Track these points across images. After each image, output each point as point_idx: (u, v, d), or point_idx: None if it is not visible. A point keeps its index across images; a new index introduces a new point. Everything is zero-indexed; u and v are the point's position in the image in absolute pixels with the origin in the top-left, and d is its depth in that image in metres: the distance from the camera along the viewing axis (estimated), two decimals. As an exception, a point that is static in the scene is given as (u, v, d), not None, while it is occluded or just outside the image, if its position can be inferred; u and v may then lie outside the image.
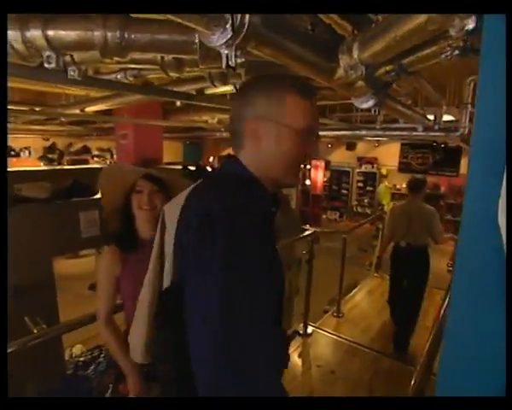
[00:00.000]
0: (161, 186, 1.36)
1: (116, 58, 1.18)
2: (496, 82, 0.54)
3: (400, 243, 3.47)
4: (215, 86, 1.87)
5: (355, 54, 1.32)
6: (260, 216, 0.71)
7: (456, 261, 0.59)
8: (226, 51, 1.04)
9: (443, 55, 1.16)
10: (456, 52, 1.11)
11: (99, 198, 2.11)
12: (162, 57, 1.46)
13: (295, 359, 3.10)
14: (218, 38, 1.00)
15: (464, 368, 0.58)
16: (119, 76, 1.88)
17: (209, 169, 2.98)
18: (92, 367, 2.14)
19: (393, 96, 2.57)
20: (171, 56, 1.44)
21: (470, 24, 0.81)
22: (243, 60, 1.05)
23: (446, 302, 1.86)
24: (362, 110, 5.21)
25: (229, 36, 0.98)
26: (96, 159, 8.03)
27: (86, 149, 8.80)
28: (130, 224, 1.36)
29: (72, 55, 1.38)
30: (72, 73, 1.43)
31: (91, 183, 2.20)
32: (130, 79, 1.87)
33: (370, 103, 2.02)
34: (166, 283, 0.86)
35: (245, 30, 0.99)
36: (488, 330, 0.56)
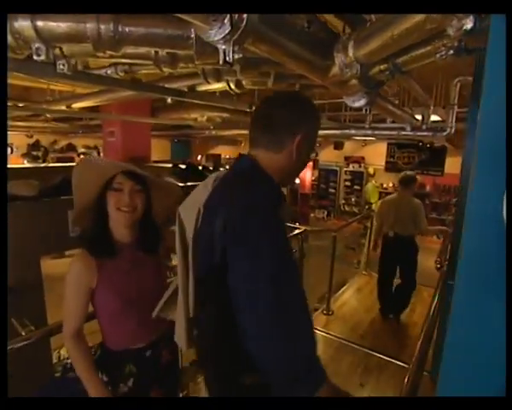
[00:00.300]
0: (143, 185, 1.19)
1: (109, 52, 1.15)
2: (502, 80, 0.55)
3: (389, 233, 3.73)
4: (208, 83, 1.84)
5: (350, 52, 1.32)
6: (280, 209, 0.87)
7: (460, 260, 0.59)
8: (224, 47, 1.03)
9: (438, 55, 1.18)
10: (451, 52, 1.12)
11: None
12: (156, 52, 1.43)
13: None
14: (216, 33, 0.98)
15: (467, 367, 0.58)
16: (109, 71, 1.84)
17: (200, 168, 2.95)
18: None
19: (384, 96, 2.60)
20: (165, 51, 1.42)
21: (468, 23, 0.82)
22: (241, 55, 1.04)
23: (436, 300, 1.89)
24: (351, 109, 5.26)
25: (227, 31, 0.96)
26: (82, 156, 7.86)
27: (71, 147, 8.60)
28: (104, 226, 1.18)
29: (61, 48, 1.34)
30: (61, 67, 1.39)
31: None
32: (121, 74, 1.82)
33: (362, 102, 2.03)
34: (194, 274, 0.99)
35: (243, 25, 0.98)
36: (494, 329, 0.56)
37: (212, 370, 0.97)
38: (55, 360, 2.17)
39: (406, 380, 1.22)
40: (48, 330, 1.67)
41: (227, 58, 1.03)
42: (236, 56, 1.03)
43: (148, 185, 1.22)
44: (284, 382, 0.78)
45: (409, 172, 3.78)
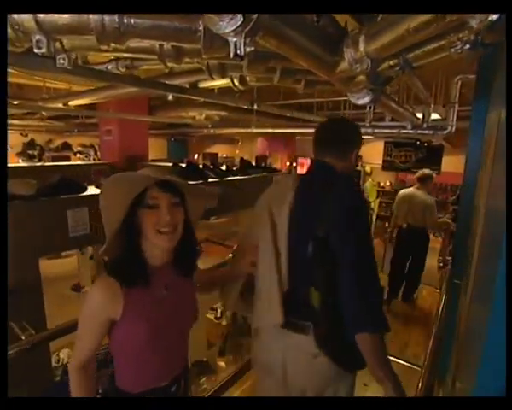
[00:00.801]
0: (181, 196, 1.00)
1: (113, 45, 1.10)
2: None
3: (402, 225, 4.06)
4: (213, 79, 1.80)
5: (361, 47, 1.29)
6: None
7: (499, 267, 0.56)
8: (235, 39, 0.98)
9: (452, 49, 1.14)
10: (467, 46, 1.09)
11: (88, 195, 2.02)
12: (161, 45, 1.38)
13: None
14: (227, 25, 0.93)
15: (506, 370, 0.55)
16: (109, 66, 1.78)
17: (200, 166, 2.91)
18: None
19: (388, 94, 2.57)
20: (170, 45, 1.37)
21: (494, 14, 0.78)
22: (252, 48, 1.00)
23: (443, 300, 1.87)
24: (350, 108, 5.25)
25: (239, 23, 0.92)
26: (78, 155, 7.74)
27: (67, 146, 8.48)
28: (136, 250, 0.98)
29: (61, 42, 1.29)
30: (61, 61, 1.34)
31: (79, 179, 2.10)
32: (122, 69, 1.77)
33: (367, 100, 2.00)
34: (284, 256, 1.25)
35: (255, 17, 0.94)
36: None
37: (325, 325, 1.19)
38: (54, 364, 2.12)
39: (420, 384, 1.19)
40: (47, 334, 1.62)
41: (238, 51, 0.99)
42: (248, 49, 0.99)
43: (183, 195, 1.02)
44: (363, 322, 1.06)
45: (426, 171, 4.16)
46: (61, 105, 3.58)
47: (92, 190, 2.12)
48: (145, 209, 0.94)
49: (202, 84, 2.28)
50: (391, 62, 1.41)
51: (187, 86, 2.25)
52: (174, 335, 1.06)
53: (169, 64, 1.46)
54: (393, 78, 1.64)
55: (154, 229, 0.94)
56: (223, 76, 1.75)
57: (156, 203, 0.94)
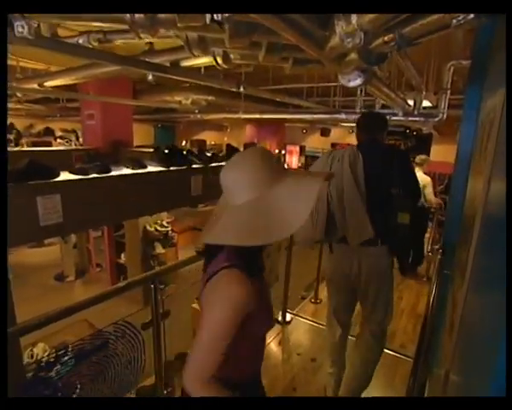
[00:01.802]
0: None
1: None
2: None
3: None
4: (194, 55, 1.66)
5: (354, 19, 1.18)
6: None
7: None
8: (211, 2, 0.87)
9: (454, 21, 1.04)
10: (471, 16, 0.99)
11: (61, 181, 1.89)
12: (132, 14, 1.24)
13: (275, 347, 3.03)
14: (202, -17, 0.82)
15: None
16: (80, 40, 1.62)
17: (184, 152, 2.79)
18: (57, 367, 1.94)
19: (380, 77, 2.47)
20: (142, 14, 1.23)
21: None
22: (231, 13, 0.88)
23: (434, 290, 1.81)
24: (340, 95, 5.15)
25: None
26: (59, 140, 7.45)
27: (49, 131, 8.17)
28: None
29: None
30: (19, 30, 1.19)
31: (53, 164, 1.95)
32: (95, 43, 1.61)
33: (358, 81, 1.90)
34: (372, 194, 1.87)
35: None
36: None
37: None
38: (27, 359, 2.01)
39: (412, 379, 1.13)
40: (16, 330, 1.51)
41: (215, 16, 0.87)
42: (226, 15, 0.87)
43: None
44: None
45: (423, 156, 4.90)
46: (36, 86, 3.37)
47: (66, 176, 1.98)
48: None
49: (184, 63, 2.14)
50: (385, 38, 1.31)
51: (167, 65, 2.10)
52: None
53: (142, 35, 1.32)
54: (387, 55, 1.54)
55: None
56: (204, 51, 1.61)
57: None
